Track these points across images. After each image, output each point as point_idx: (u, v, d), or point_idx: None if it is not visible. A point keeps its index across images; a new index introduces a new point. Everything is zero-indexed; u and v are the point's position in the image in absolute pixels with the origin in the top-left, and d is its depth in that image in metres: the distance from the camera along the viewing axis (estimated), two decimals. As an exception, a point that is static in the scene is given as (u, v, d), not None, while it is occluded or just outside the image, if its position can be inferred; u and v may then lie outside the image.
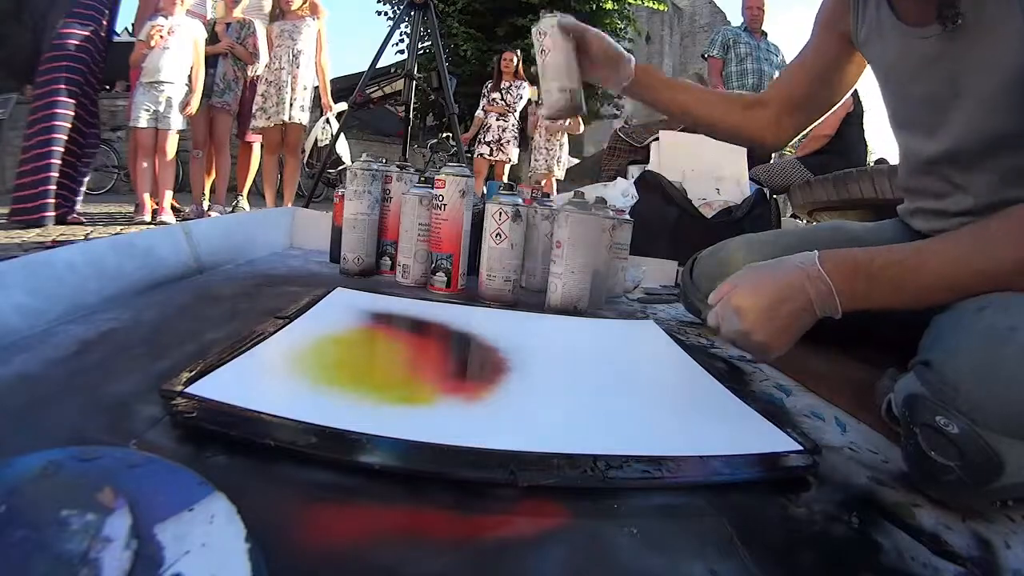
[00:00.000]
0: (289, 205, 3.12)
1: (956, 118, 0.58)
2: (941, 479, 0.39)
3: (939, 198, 0.64)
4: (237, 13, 3.07)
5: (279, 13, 2.95)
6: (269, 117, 2.86)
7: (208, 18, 3.09)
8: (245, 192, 3.22)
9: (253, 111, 2.91)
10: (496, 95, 3.87)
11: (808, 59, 0.77)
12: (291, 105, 2.86)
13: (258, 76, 2.98)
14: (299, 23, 2.90)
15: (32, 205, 2.46)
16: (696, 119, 0.82)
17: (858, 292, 0.48)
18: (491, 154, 3.87)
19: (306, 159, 3.94)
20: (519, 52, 3.95)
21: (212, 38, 2.97)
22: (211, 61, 2.93)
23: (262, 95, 2.87)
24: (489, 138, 3.87)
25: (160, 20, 2.69)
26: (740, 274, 0.54)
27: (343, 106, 3.37)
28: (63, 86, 2.51)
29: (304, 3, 2.92)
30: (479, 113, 3.95)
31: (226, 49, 2.97)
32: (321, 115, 3.68)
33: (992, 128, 0.55)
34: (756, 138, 0.81)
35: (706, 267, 0.84)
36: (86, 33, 2.60)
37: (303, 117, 2.94)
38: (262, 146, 3.07)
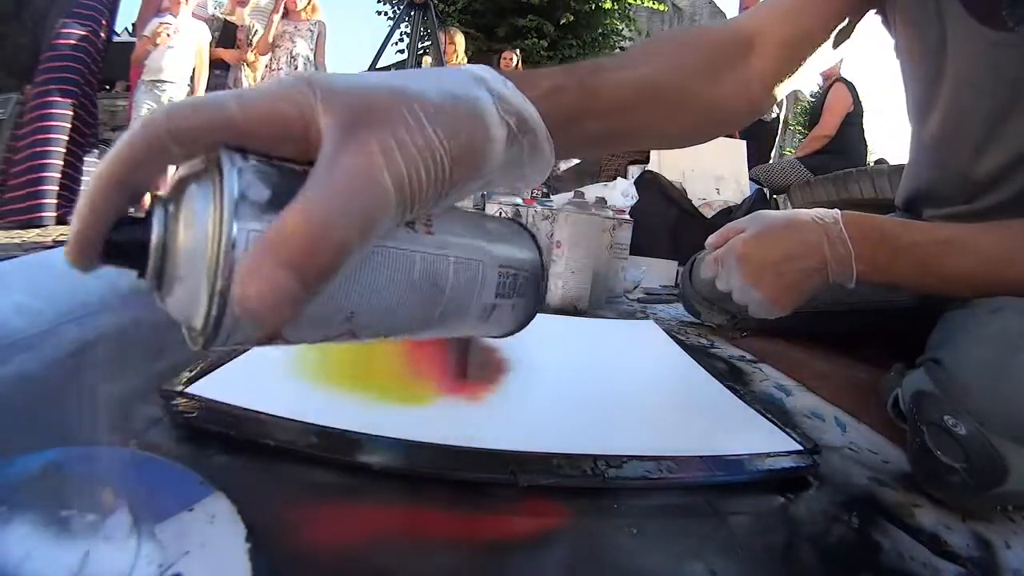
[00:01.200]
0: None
1: (1012, 129, 0.51)
2: (945, 479, 0.39)
3: (968, 202, 0.60)
4: (247, 17, 3.08)
5: (284, 11, 2.95)
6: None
7: (209, 14, 3.09)
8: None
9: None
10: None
11: None
12: None
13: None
14: (301, 25, 2.90)
15: (24, 205, 2.45)
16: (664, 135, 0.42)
17: (879, 263, 0.46)
18: None
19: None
20: (518, 52, 3.93)
21: (229, 34, 2.98)
22: (222, 63, 2.94)
23: None
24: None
25: (168, 19, 2.70)
26: (749, 219, 0.48)
27: None
28: (60, 86, 2.51)
29: (308, 4, 2.93)
30: None
31: (237, 60, 2.98)
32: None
33: None
34: (749, 108, 0.46)
35: None
36: (85, 33, 2.60)
37: None
38: None
